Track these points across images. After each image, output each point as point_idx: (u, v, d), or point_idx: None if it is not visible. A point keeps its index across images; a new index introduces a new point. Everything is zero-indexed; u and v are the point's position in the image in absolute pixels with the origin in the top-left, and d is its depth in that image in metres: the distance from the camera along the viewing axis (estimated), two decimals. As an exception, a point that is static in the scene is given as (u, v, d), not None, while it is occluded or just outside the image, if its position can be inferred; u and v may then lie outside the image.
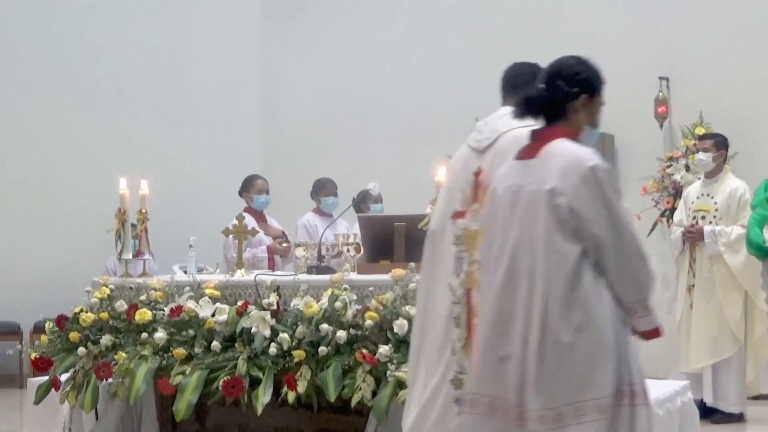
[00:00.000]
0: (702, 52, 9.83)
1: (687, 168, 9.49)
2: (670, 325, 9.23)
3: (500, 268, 3.84)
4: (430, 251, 4.68)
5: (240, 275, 6.49)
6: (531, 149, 3.99)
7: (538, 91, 4.17)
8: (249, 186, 9.03)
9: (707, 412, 8.10)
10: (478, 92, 10.85)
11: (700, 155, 8.44)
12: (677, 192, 9.47)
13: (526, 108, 4.18)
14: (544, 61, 9.83)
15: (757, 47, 9.64)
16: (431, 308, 4.58)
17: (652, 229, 9.75)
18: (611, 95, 10.71)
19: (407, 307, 5.46)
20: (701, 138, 8.72)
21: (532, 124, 4.22)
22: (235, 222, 7.09)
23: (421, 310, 4.66)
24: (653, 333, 3.94)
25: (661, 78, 9.89)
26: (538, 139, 4.02)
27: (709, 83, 9.80)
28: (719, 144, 8.45)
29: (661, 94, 9.89)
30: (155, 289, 6.42)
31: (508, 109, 4.63)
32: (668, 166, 9.63)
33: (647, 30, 10.10)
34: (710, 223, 8.32)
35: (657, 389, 5.90)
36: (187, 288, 6.29)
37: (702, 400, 8.10)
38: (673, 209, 9.46)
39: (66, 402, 6.45)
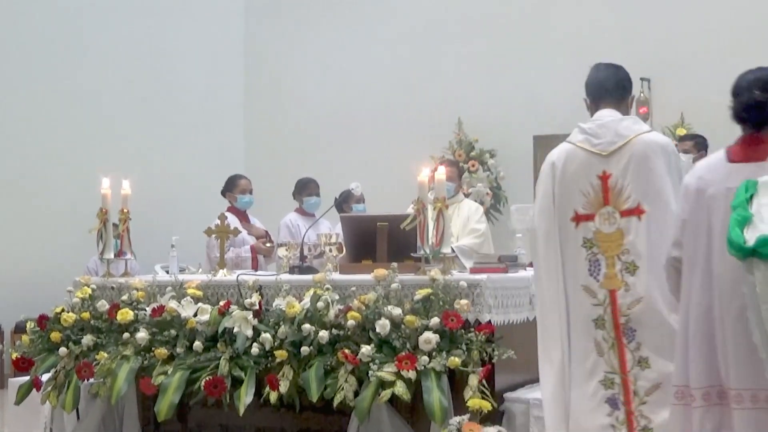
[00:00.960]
0: (683, 54, 9.88)
1: (668, 168, 9.52)
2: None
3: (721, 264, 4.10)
4: (547, 251, 4.88)
5: (222, 275, 6.48)
6: (754, 152, 4.27)
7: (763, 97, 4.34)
8: (232, 186, 9.03)
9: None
10: (461, 93, 10.92)
11: (681, 156, 8.47)
12: (658, 192, 9.51)
13: (754, 114, 4.42)
14: (527, 62, 9.96)
15: (737, 48, 9.68)
16: (566, 306, 4.82)
17: (633, 230, 9.77)
18: (593, 96, 10.70)
19: (389, 307, 5.47)
20: (682, 139, 8.75)
21: (651, 128, 4.68)
22: (218, 222, 7.08)
23: (552, 305, 4.84)
24: None
25: (642, 79, 9.94)
26: (757, 143, 4.33)
27: (690, 84, 9.85)
28: (699, 145, 8.49)
29: (642, 95, 9.93)
30: (137, 289, 6.41)
31: (613, 113, 4.97)
32: (650, 167, 9.66)
33: (628, 31, 10.14)
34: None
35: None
36: (169, 288, 6.28)
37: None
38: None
39: (47, 402, 6.43)
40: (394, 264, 5.71)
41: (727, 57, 9.70)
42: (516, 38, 10.69)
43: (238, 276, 6.28)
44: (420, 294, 5.50)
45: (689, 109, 9.70)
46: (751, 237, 5.00)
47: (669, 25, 10.01)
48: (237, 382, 5.73)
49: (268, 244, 8.69)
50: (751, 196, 5.26)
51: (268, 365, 5.71)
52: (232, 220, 8.14)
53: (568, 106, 10.24)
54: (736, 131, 8.94)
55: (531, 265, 6.45)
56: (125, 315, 6.23)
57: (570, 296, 4.82)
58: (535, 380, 6.05)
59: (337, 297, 5.73)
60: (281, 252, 6.72)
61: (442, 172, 5.86)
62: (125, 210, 7.00)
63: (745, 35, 9.67)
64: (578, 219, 4.78)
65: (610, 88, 5.17)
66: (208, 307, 6.04)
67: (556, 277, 4.87)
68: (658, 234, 4.62)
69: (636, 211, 4.73)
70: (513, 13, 10.75)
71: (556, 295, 4.85)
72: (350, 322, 5.52)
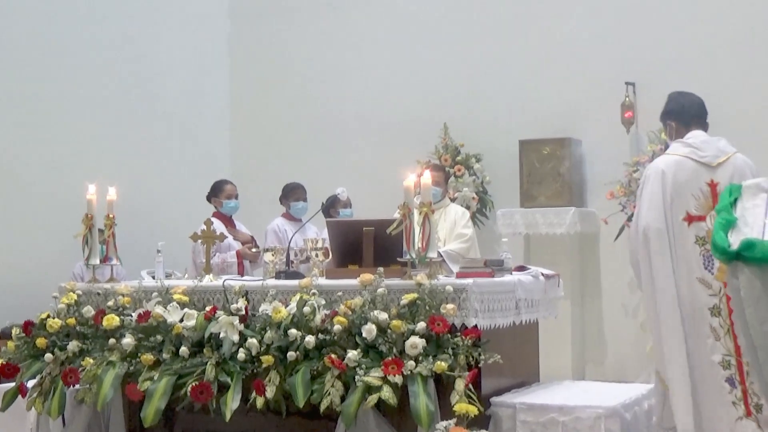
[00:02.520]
0: (668, 58, 9.90)
1: (653, 173, 9.55)
2: (637, 329, 9.34)
3: None
4: (661, 247, 5.59)
5: (208, 280, 6.48)
6: None
7: None
8: (218, 191, 9.03)
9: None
10: (447, 98, 10.92)
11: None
12: (644, 196, 9.53)
13: None
14: (512, 66, 9.95)
15: (723, 53, 9.72)
16: (678, 296, 5.54)
17: (619, 234, 9.81)
18: (578, 100, 10.85)
19: (376, 312, 5.47)
20: (669, 145, 8.77)
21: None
22: (204, 227, 7.07)
23: (667, 296, 5.54)
24: None
25: (627, 83, 9.96)
26: None
27: (675, 88, 9.77)
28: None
29: (627, 99, 9.95)
30: (123, 295, 6.40)
31: (704, 133, 5.96)
32: (634, 171, 9.69)
33: (614, 35, 10.17)
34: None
35: (624, 393, 5.95)
36: (155, 293, 6.27)
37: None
38: (639, 213, 9.53)
39: (33, 408, 6.41)
40: (381, 269, 5.72)
41: (712, 61, 9.75)
42: (501, 43, 10.69)
43: (224, 281, 6.28)
44: (406, 299, 5.50)
45: (674, 114, 9.72)
46: (735, 241, 5.03)
47: (654, 30, 10.03)
48: (223, 388, 5.72)
49: (254, 249, 8.69)
50: (735, 200, 5.29)
51: (255, 370, 5.71)
52: (218, 226, 8.14)
53: (553, 110, 10.30)
54: (719, 135, 8.98)
55: (519, 268, 6.49)
56: (111, 321, 6.22)
57: (683, 287, 5.53)
58: (522, 384, 6.08)
59: (323, 302, 5.73)
60: (267, 257, 6.72)
61: (428, 177, 5.87)
62: (111, 216, 6.99)
63: (729, 40, 9.70)
64: (690, 219, 5.53)
65: (699, 113, 6.12)
66: (194, 312, 6.03)
67: (669, 271, 5.56)
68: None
69: None
70: (499, 18, 10.76)
71: (670, 287, 5.55)
72: (336, 327, 5.52)
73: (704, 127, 6.03)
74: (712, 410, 5.44)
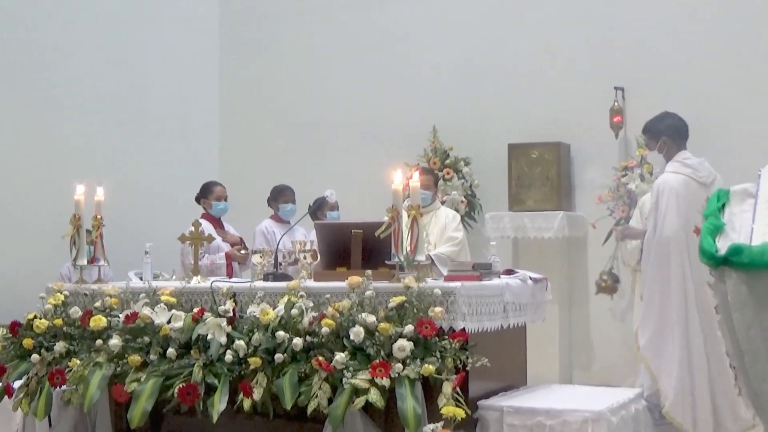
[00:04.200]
0: (657, 63, 9.93)
1: (642, 177, 9.58)
2: (625, 333, 9.35)
3: None
4: (680, 256, 6.65)
5: (196, 282, 6.47)
6: None
7: None
8: (207, 192, 9.01)
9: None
10: (436, 101, 10.93)
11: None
12: (632, 201, 9.56)
13: None
14: (502, 70, 9.98)
15: (712, 58, 9.74)
16: (690, 298, 6.63)
17: (607, 238, 9.81)
18: (567, 104, 10.87)
19: (363, 315, 5.47)
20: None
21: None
22: (192, 228, 7.06)
23: (682, 298, 6.64)
24: None
25: (616, 88, 9.98)
26: None
27: (664, 93, 9.89)
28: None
29: (616, 104, 9.97)
30: (110, 296, 6.40)
31: (691, 155, 6.94)
32: (623, 176, 9.70)
33: (603, 40, 10.19)
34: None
35: (611, 397, 5.96)
36: (143, 295, 6.27)
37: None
38: (628, 218, 9.54)
39: (19, 409, 6.40)
40: (369, 271, 5.72)
41: (700, 67, 9.78)
42: (491, 47, 10.71)
43: (212, 283, 6.28)
44: (394, 301, 5.51)
45: (663, 119, 9.75)
46: (722, 246, 5.04)
47: (643, 35, 10.06)
48: (211, 389, 5.72)
49: (242, 251, 8.68)
50: (723, 205, 5.30)
51: (242, 372, 5.70)
52: (207, 227, 8.13)
53: (542, 114, 10.32)
54: (707, 140, 9.04)
55: (507, 272, 6.51)
56: (98, 322, 6.21)
57: (694, 290, 6.61)
58: (509, 387, 6.09)
59: (311, 304, 5.73)
60: (256, 259, 6.71)
61: (416, 180, 5.88)
62: (99, 216, 6.98)
63: (719, 46, 9.73)
64: (698, 231, 5.86)
65: (687, 135, 7.08)
66: (181, 314, 6.03)
67: (681, 277, 6.62)
68: None
69: None
70: (488, 22, 10.78)
71: (683, 290, 6.61)
72: (324, 330, 5.52)
73: (685, 146, 7.02)
74: (726, 397, 6.46)
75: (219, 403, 5.65)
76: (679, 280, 6.68)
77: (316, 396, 5.40)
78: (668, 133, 7.00)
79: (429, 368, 5.26)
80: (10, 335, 6.55)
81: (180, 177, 10.97)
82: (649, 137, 7.27)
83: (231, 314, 5.87)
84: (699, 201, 6.13)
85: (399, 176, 5.85)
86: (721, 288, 4.85)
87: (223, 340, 5.80)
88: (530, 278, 6.52)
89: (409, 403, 5.21)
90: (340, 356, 5.40)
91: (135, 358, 5.97)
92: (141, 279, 6.95)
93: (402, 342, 5.34)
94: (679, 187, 6.76)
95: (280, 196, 9.19)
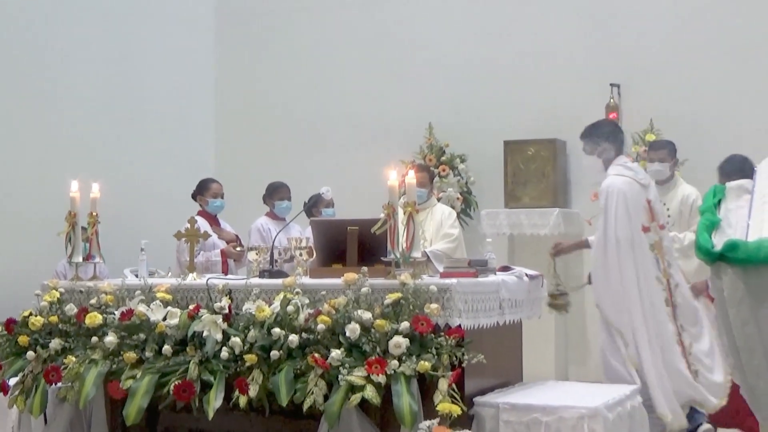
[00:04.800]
0: (652, 60, 9.94)
1: (637, 174, 9.58)
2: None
3: None
4: (634, 253, 6.95)
5: (192, 279, 6.46)
6: None
7: None
8: (204, 189, 9.00)
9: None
10: (432, 98, 10.93)
11: (657, 166, 8.49)
12: (627, 198, 9.56)
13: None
14: (498, 67, 9.95)
15: (705, 55, 9.76)
16: (645, 292, 6.96)
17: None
18: (563, 101, 10.89)
19: (359, 312, 5.47)
20: (654, 147, 8.75)
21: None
22: (188, 225, 7.05)
23: (636, 292, 6.94)
24: None
25: (612, 85, 9.99)
26: None
27: (660, 90, 9.91)
28: (672, 152, 8.53)
29: (612, 100, 9.98)
30: (106, 293, 6.38)
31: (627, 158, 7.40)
32: (619, 173, 9.70)
33: (598, 37, 10.19)
34: (663, 229, 8.42)
35: (607, 393, 5.96)
36: (138, 291, 6.25)
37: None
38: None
39: (14, 406, 6.38)
40: (365, 268, 5.71)
41: (696, 64, 9.79)
42: (487, 44, 10.71)
43: (207, 280, 6.26)
44: (390, 298, 5.50)
45: (658, 115, 9.76)
46: (718, 242, 5.05)
47: (639, 31, 10.07)
48: (206, 386, 5.70)
49: (238, 248, 8.67)
50: (719, 201, 5.31)
51: (238, 369, 5.69)
52: (203, 224, 8.12)
53: (538, 111, 10.32)
54: (703, 137, 9.05)
55: (503, 269, 6.51)
56: (94, 319, 6.19)
57: (646, 284, 6.96)
58: (505, 384, 6.09)
59: (307, 301, 5.72)
60: (251, 256, 6.70)
61: (412, 177, 5.87)
62: (94, 213, 6.96)
63: (714, 42, 9.74)
64: (645, 230, 6.80)
65: (623, 140, 7.52)
66: (177, 311, 6.01)
67: (633, 273, 6.92)
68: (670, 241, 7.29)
69: (662, 227, 7.17)
70: (484, 19, 10.78)
71: (635, 287, 6.92)
72: (320, 326, 5.51)
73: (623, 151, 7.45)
74: (673, 368, 6.88)
75: (215, 400, 5.63)
76: (634, 280, 6.94)
77: (312, 393, 5.39)
78: (609, 139, 7.28)
79: (425, 365, 5.26)
80: (6, 332, 6.53)
81: (176, 174, 10.96)
82: (589, 142, 7.38)
83: (227, 311, 5.86)
84: (641, 201, 6.99)
85: (394, 173, 5.85)
86: (717, 284, 4.86)
87: (219, 337, 5.78)
88: (526, 275, 6.52)
89: (405, 399, 5.21)
90: (335, 353, 5.40)
91: (130, 355, 5.95)
92: (137, 276, 6.94)
93: (398, 339, 5.34)
94: (625, 188, 7.03)
95: (275, 193, 9.18)
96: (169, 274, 7.17)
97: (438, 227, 8.16)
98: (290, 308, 5.65)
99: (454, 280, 5.61)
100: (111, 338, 6.06)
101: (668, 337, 6.94)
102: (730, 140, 9.37)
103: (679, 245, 8.22)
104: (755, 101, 9.50)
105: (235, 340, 5.70)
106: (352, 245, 6.17)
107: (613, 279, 6.95)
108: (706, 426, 7.13)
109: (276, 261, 6.71)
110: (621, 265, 6.94)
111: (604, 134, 7.30)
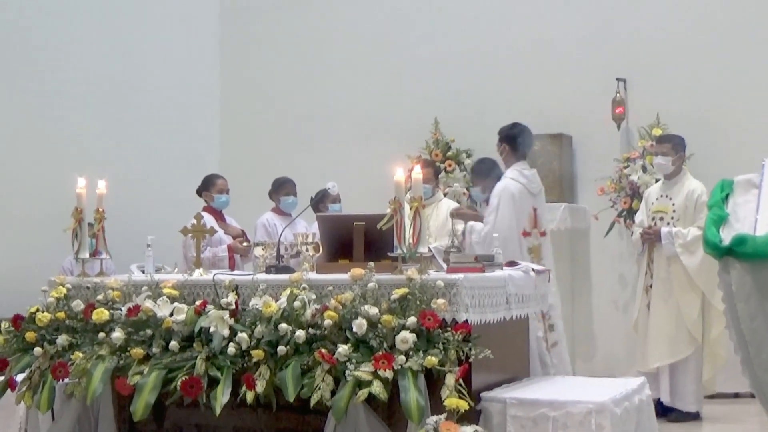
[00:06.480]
0: (659, 54, 9.92)
1: (644, 169, 9.57)
2: (626, 324, 9.34)
3: None
4: (513, 254, 7.15)
5: (198, 275, 6.46)
6: None
7: None
8: (210, 185, 9.01)
9: (664, 411, 8.18)
10: (435, 94, 10.92)
11: (660, 159, 8.50)
12: (634, 192, 9.56)
13: None
14: (504, 62, 10.00)
15: (712, 50, 9.74)
16: None
17: (609, 230, 9.83)
18: (569, 96, 10.87)
19: (366, 307, 5.46)
20: (659, 141, 8.77)
21: None
22: (194, 221, 7.05)
23: None
24: None
25: (618, 79, 9.97)
26: None
27: (666, 85, 9.89)
28: (677, 146, 8.52)
29: (618, 95, 9.97)
30: (112, 289, 6.38)
31: (528, 166, 7.88)
32: (625, 167, 9.71)
33: (605, 32, 10.18)
34: (668, 224, 8.40)
35: (614, 387, 5.95)
36: (145, 287, 6.25)
37: (659, 399, 8.18)
38: (630, 210, 9.55)
39: (22, 402, 6.39)
40: (371, 263, 5.71)
41: (702, 58, 9.78)
42: (493, 38, 10.70)
43: (214, 275, 6.26)
44: (397, 293, 5.50)
45: (665, 109, 9.75)
46: (726, 236, 5.04)
47: (645, 26, 10.05)
48: (213, 382, 5.70)
49: (244, 244, 8.68)
50: (727, 196, 5.30)
51: (245, 365, 5.69)
52: (208, 220, 8.13)
53: (544, 106, 10.30)
54: (711, 131, 9.05)
55: (509, 264, 6.51)
56: (101, 315, 6.20)
57: None
58: (512, 379, 6.09)
59: (313, 296, 5.72)
60: (258, 251, 6.70)
61: (418, 172, 5.86)
62: (101, 209, 6.96)
63: (721, 37, 9.72)
64: (525, 234, 7.21)
65: (529, 147, 8.02)
66: (184, 306, 6.01)
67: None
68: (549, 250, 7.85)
69: (543, 234, 7.65)
70: (490, 12, 10.77)
71: None
72: (327, 322, 5.51)
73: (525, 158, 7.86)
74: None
75: (222, 396, 5.63)
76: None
77: (319, 388, 5.39)
78: (511, 142, 7.84)
79: (432, 360, 5.25)
80: (13, 329, 6.53)
81: (181, 170, 10.96)
82: (498, 140, 7.99)
83: (233, 307, 5.86)
84: (528, 208, 7.60)
85: (401, 170, 5.85)
86: (725, 279, 4.85)
87: (226, 332, 5.79)
88: (533, 270, 6.51)
89: (412, 395, 5.21)
90: (342, 348, 5.40)
91: (138, 351, 5.96)
92: (143, 272, 6.94)
93: (405, 334, 5.33)
94: (516, 193, 7.60)
95: (281, 188, 9.18)
96: (176, 270, 7.17)
97: (443, 223, 8.15)
98: (297, 304, 5.65)
99: (460, 275, 5.61)
100: (118, 334, 6.06)
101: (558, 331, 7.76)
102: (737, 134, 9.38)
103: (683, 240, 8.23)
104: (762, 95, 9.48)
105: (242, 336, 5.70)
106: (358, 240, 6.17)
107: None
108: None
109: (282, 256, 6.71)
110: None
111: (507, 137, 7.90)
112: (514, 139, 7.86)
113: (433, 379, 5.32)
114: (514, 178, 7.69)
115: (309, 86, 11.64)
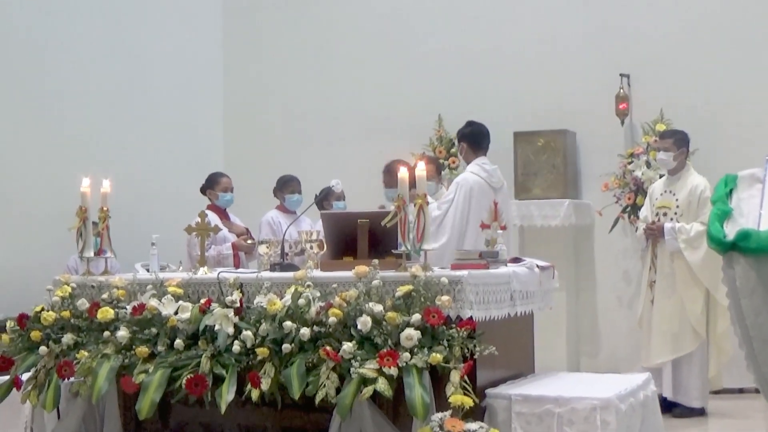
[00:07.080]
0: (662, 50, 9.91)
1: (648, 164, 9.56)
2: (632, 320, 9.34)
3: None
4: (458, 241, 7.44)
5: (203, 273, 6.46)
6: None
7: None
8: (214, 183, 9.00)
9: (668, 406, 8.17)
10: (439, 91, 10.92)
11: (661, 155, 8.50)
12: (638, 188, 9.55)
13: None
14: (507, 58, 9.99)
15: (716, 45, 9.73)
16: None
17: (614, 225, 9.82)
18: (573, 92, 10.87)
19: (371, 304, 5.46)
20: (661, 137, 8.76)
21: None
22: (198, 219, 7.05)
23: None
24: None
25: (622, 75, 9.97)
26: None
27: (670, 80, 9.88)
28: (679, 142, 8.51)
29: (622, 90, 9.96)
30: (117, 288, 6.39)
31: (488, 161, 7.91)
32: (629, 163, 9.70)
33: (608, 27, 10.17)
34: (671, 219, 8.39)
35: (619, 383, 5.95)
36: (150, 286, 6.26)
37: (662, 395, 8.17)
38: (634, 205, 9.54)
39: (27, 401, 6.39)
40: (375, 261, 5.71)
41: (705, 53, 9.77)
42: (497, 34, 10.69)
43: (218, 273, 6.26)
44: (401, 290, 5.49)
45: (668, 105, 9.74)
46: (730, 231, 5.03)
47: (648, 21, 10.04)
48: (218, 380, 5.71)
49: (249, 242, 8.67)
50: (731, 191, 5.29)
51: (250, 363, 5.69)
52: (213, 218, 8.12)
53: (548, 102, 10.30)
54: (715, 126, 9.04)
55: (514, 260, 6.50)
56: (106, 313, 6.20)
57: None
58: (517, 376, 6.09)
59: (318, 294, 5.72)
60: (262, 249, 6.70)
61: (422, 169, 5.86)
62: (105, 208, 6.97)
63: (724, 32, 9.71)
64: (483, 226, 6.88)
65: (488, 144, 8.02)
66: (188, 305, 6.02)
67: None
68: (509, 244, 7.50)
69: (503, 228, 7.07)
70: (493, 8, 10.76)
71: None
72: (331, 319, 5.51)
73: (486, 153, 7.95)
74: None
75: (227, 394, 5.64)
76: None
77: (324, 386, 5.39)
78: (467, 140, 7.99)
79: (437, 357, 5.25)
80: (18, 328, 6.54)
81: (185, 168, 10.97)
82: (457, 141, 8.29)
83: (238, 305, 5.87)
84: (488, 201, 7.36)
85: (405, 168, 5.85)
86: (729, 274, 4.84)
87: (231, 330, 5.79)
88: (537, 266, 6.50)
89: (417, 392, 5.21)
90: (347, 346, 5.40)
91: (143, 350, 5.96)
92: (148, 270, 6.94)
93: (409, 331, 5.33)
94: (475, 186, 7.68)
95: (285, 186, 9.18)
96: (180, 268, 7.18)
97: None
98: (301, 301, 5.65)
99: (465, 272, 5.60)
100: (123, 333, 6.07)
101: None
102: (741, 130, 9.37)
103: (686, 236, 8.22)
104: (766, 91, 9.47)
105: (247, 334, 5.71)
106: (362, 238, 6.17)
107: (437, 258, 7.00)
108: None
109: (287, 254, 6.71)
110: (448, 247, 7.35)
111: (463, 135, 8.08)
112: (470, 136, 8.00)
113: (437, 376, 5.31)
114: (474, 172, 7.79)
115: (312, 84, 11.64)
